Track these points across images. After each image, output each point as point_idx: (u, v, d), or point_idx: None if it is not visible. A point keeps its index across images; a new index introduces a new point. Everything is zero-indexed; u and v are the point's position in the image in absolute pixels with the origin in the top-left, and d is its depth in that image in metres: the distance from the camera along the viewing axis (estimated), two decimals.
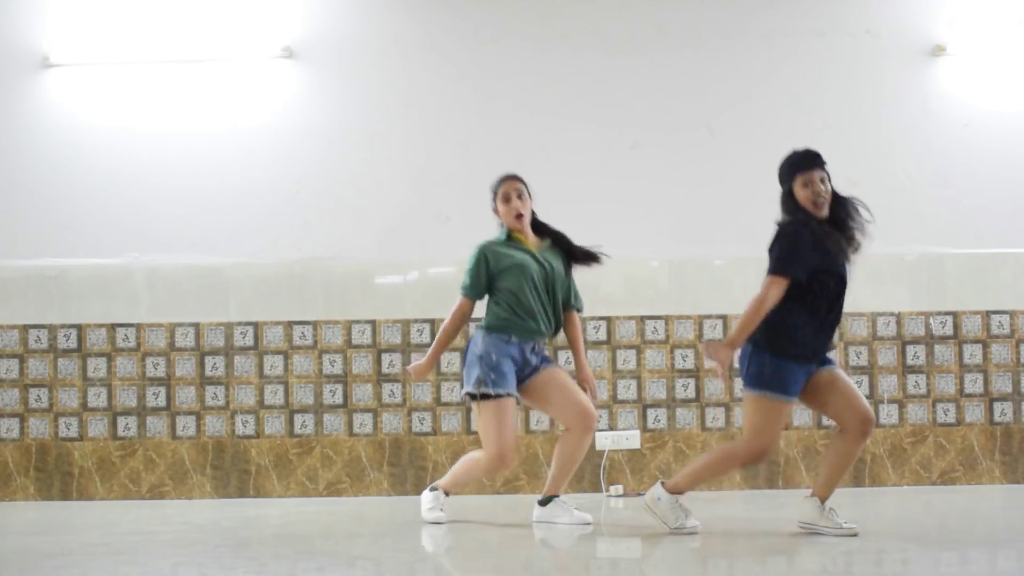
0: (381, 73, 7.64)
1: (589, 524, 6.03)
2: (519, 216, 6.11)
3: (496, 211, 6.16)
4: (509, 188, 6.13)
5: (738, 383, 7.46)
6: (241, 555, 5.39)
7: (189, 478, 7.39)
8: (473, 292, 6.11)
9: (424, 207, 7.50)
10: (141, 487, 7.39)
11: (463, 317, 6.14)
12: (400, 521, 6.29)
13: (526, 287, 6.03)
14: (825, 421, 7.43)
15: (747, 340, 5.52)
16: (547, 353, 6.24)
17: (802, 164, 5.57)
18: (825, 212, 5.54)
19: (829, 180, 5.60)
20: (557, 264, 6.16)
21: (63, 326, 7.46)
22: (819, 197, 5.52)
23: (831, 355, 5.72)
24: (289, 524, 6.28)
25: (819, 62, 7.62)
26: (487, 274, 6.08)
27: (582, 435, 6.06)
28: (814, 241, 5.48)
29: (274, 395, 7.43)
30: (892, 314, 7.50)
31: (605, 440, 7.38)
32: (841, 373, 5.67)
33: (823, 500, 5.62)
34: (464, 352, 6.12)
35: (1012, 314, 7.50)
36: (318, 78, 7.62)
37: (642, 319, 7.48)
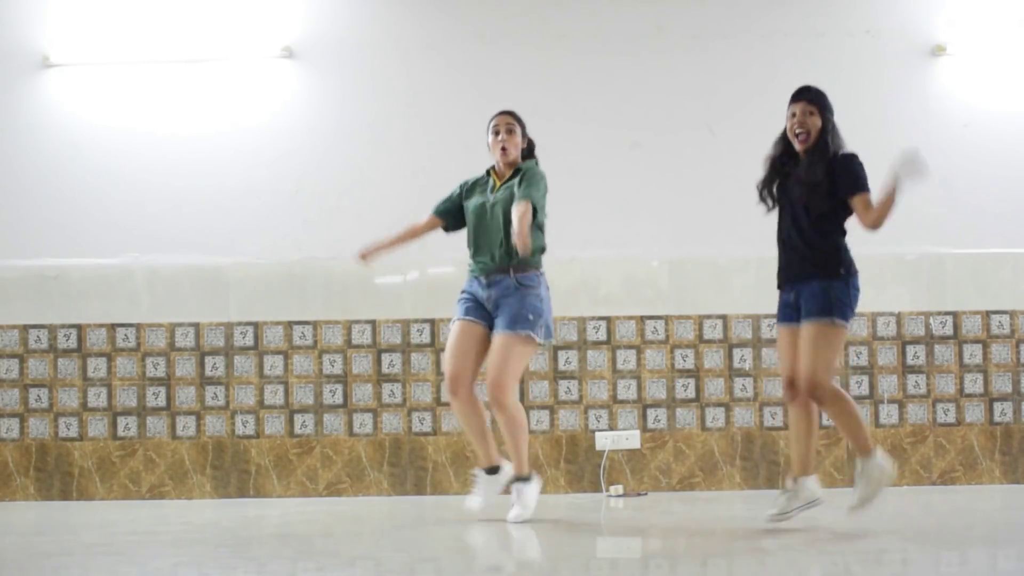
0: (381, 73, 7.64)
1: (521, 522, 6.02)
2: (504, 150, 6.17)
3: (488, 144, 6.25)
4: (499, 122, 6.21)
5: (738, 383, 7.47)
6: (241, 555, 5.38)
7: (189, 478, 7.39)
8: (435, 207, 6.38)
9: (424, 207, 7.46)
10: (141, 487, 7.39)
11: (418, 227, 6.41)
12: (400, 521, 6.29)
13: (476, 225, 6.18)
14: (824, 421, 7.43)
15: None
16: (520, 287, 6.05)
17: (792, 96, 5.75)
18: (799, 146, 5.67)
19: (820, 117, 5.66)
20: (510, 193, 6.11)
21: (63, 326, 7.46)
22: (794, 129, 5.67)
23: (816, 301, 5.61)
24: (289, 524, 6.28)
25: (819, 62, 7.62)
26: (457, 197, 6.32)
27: (491, 407, 6.11)
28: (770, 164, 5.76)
29: (274, 395, 7.43)
30: (892, 314, 7.50)
31: (605, 440, 7.38)
32: (804, 329, 5.57)
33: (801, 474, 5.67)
34: None
35: (1012, 314, 7.51)
36: (318, 78, 7.62)
37: (642, 319, 7.48)
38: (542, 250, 6.15)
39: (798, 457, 5.73)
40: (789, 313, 5.69)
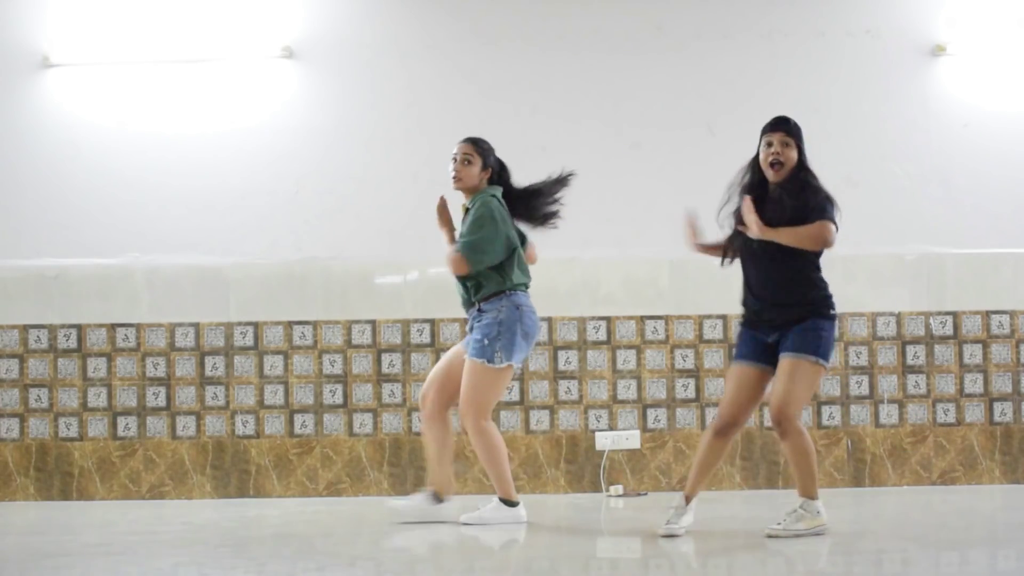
0: (381, 73, 7.64)
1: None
2: (455, 179, 6.13)
3: None
4: (456, 151, 6.16)
5: None
6: (241, 555, 5.39)
7: (189, 478, 7.39)
8: None
9: (424, 207, 7.45)
10: (141, 487, 7.39)
11: None
12: (400, 521, 6.29)
13: None
14: (824, 421, 7.44)
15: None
16: (481, 318, 6.02)
17: (767, 126, 5.62)
18: (772, 176, 5.57)
19: (795, 150, 5.55)
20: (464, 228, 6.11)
21: (63, 326, 7.46)
22: (773, 156, 5.55)
23: (792, 339, 5.53)
24: (289, 524, 6.28)
25: (819, 62, 7.62)
26: None
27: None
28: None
29: (274, 395, 7.43)
30: (892, 314, 7.50)
31: (605, 440, 7.38)
32: (783, 363, 5.50)
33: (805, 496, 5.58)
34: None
35: (1012, 314, 7.50)
36: (318, 78, 7.62)
37: (642, 319, 7.48)
38: (502, 281, 6.03)
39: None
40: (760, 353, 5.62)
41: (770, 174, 5.56)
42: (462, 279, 6.08)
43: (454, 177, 6.13)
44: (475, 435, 5.98)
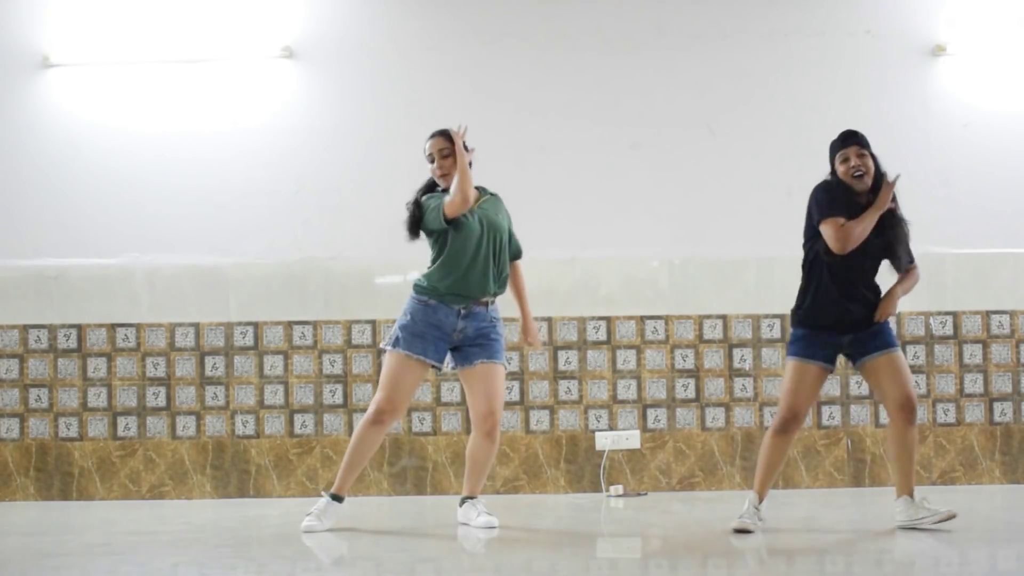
0: (381, 73, 7.64)
1: (494, 528, 5.89)
2: (444, 176, 5.96)
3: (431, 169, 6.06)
4: (433, 147, 6.01)
5: (738, 383, 7.47)
6: (241, 555, 5.38)
7: (189, 478, 7.39)
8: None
9: None
10: (141, 487, 7.39)
11: None
12: (400, 521, 6.29)
13: (467, 249, 5.87)
14: (824, 421, 7.44)
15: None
16: (494, 320, 5.94)
17: (839, 143, 5.81)
18: (860, 186, 5.76)
19: (870, 157, 5.77)
20: (498, 217, 6.00)
21: (63, 326, 7.46)
22: (856, 170, 5.74)
23: (885, 335, 5.76)
24: (289, 524, 6.27)
25: (819, 62, 7.62)
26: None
27: (482, 439, 5.96)
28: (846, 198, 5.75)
29: (274, 395, 7.43)
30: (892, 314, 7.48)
31: (605, 440, 7.38)
32: (891, 358, 5.72)
33: (910, 494, 5.73)
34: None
35: (1012, 314, 7.50)
36: (318, 78, 7.62)
37: (642, 319, 7.48)
38: None
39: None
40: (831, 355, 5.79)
41: (859, 185, 5.74)
42: (502, 266, 5.98)
43: (442, 175, 5.97)
44: (496, 438, 6.02)
